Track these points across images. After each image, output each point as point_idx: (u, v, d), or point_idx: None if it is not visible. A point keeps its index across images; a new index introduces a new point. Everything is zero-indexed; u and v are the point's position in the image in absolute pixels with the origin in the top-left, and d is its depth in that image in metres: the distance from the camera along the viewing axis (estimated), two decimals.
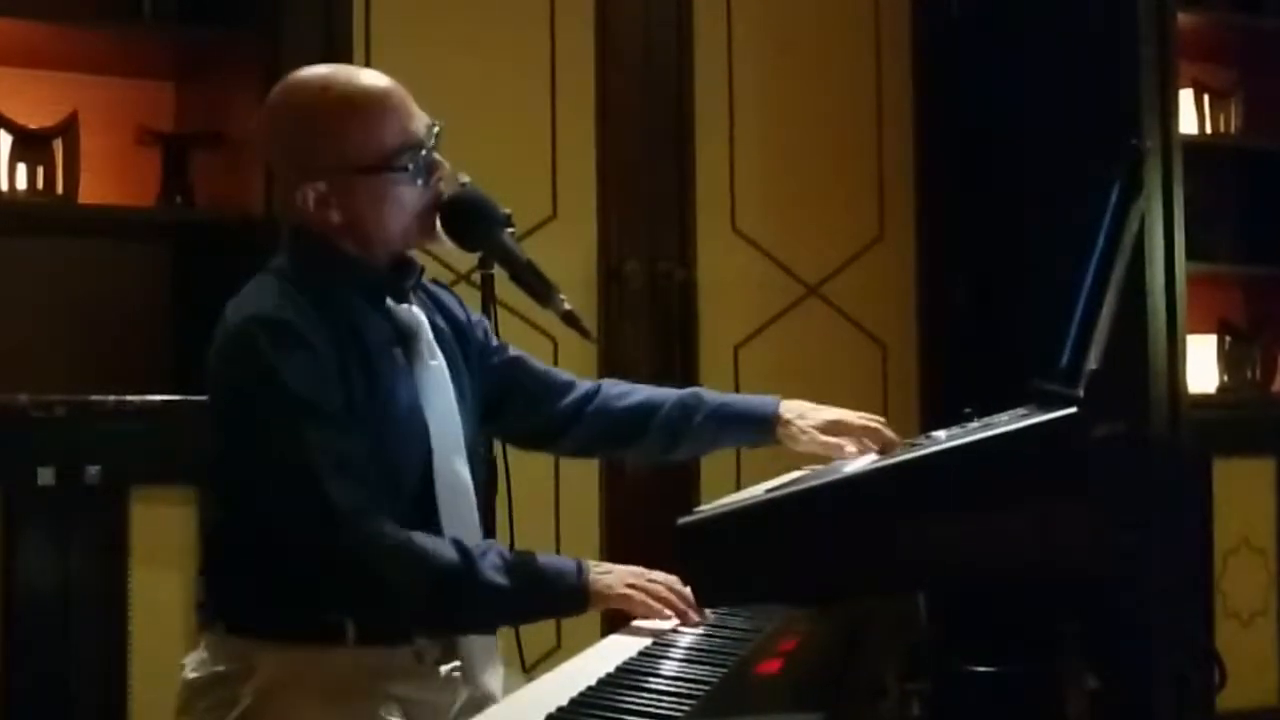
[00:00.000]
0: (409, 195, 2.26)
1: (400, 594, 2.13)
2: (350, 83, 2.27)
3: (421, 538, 2.15)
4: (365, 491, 2.12)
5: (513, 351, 2.57)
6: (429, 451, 2.26)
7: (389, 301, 2.30)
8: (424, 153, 2.26)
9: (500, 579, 2.13)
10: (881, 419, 2.55)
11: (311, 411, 2.12)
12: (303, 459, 2.10)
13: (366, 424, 2.19)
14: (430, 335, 2.35)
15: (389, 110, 2.25)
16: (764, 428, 2.55)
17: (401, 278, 2.34)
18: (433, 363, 2.33)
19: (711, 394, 2.61)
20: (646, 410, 2.56)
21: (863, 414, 2.54)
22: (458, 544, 2.15)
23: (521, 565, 2.17)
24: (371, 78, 2.29)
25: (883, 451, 2.43)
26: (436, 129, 2.29)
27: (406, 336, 2.31)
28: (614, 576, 2.20)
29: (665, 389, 2.62)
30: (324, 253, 2.27)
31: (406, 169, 2.24)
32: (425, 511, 2.24)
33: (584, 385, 2.59)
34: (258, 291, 2.24)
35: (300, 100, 2.28)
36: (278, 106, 2.30)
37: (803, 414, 2.54)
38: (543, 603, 2.21)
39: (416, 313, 2.34)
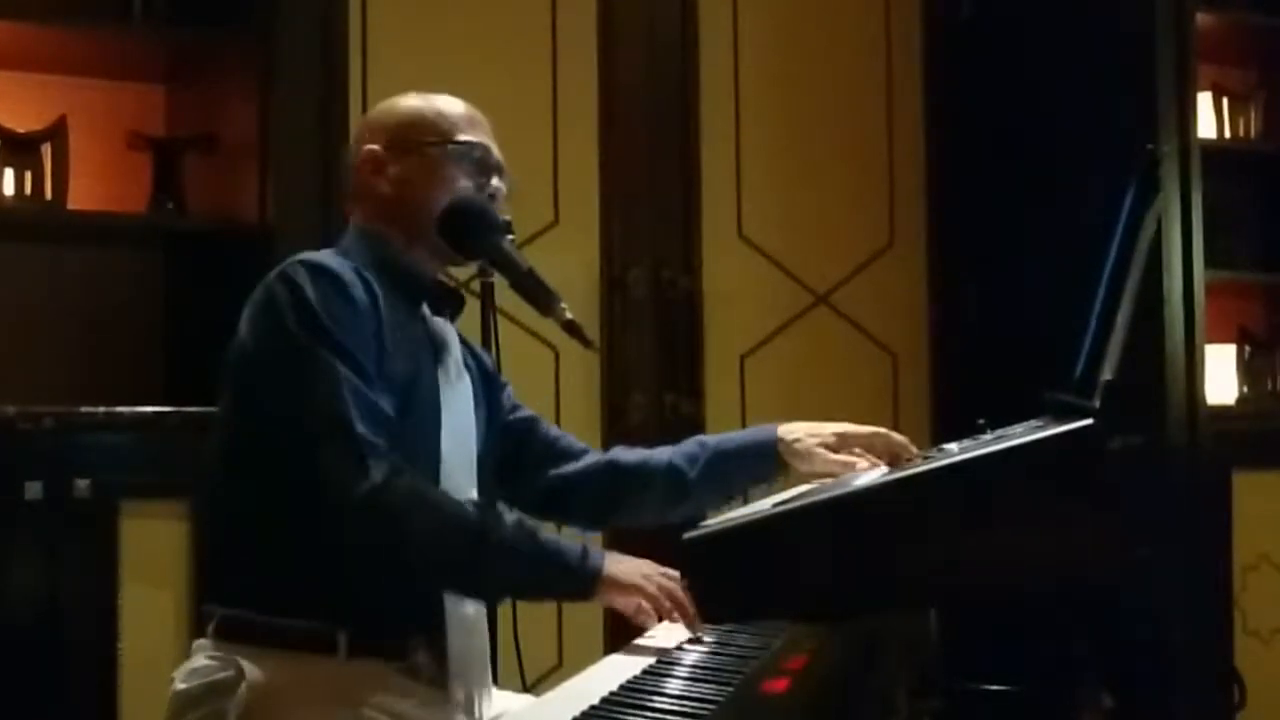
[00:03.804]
0: (457, 184, 2.34)
1: (421, 540, 2.15)
2: (435, 95, 2.45)
3: (441, 489, 2.20)
4: (390, 441, 2.15)
5: (529, 412, 2.62)
6: (439, 461, 2.28)
7: (425, 309, 2.35)
8: (484, 157, 2.38)
9: (517, 543, 2.16)
10: (888, 429, 2.56)
11: (347, 353, 2.16)
12: (336, 397, 2.13)
13: (392, 399, 2.22)
14: (459, 354, 2.39)
15: (461, 114, 2.41)
16: (767, 454, 2.56)
17: (443, 293, 2.40)
18: (458, 380, 2.37)
19: (712, 436, 2.65)
20: (650, 463, 2.59)
21: (868, 426, 2.56)
22: (478, 504, 2.22)
23: (538, 537, 2.20)
24: (458, 100, 2.45)
25: (893, 458, 2.46)
26: (504, 169, 2.41)
27: (438, 346, 2.35)
28: (629, 565, 2.23)
29: (669, 446, 2.63)
30: (375, 246, 2.34)
31: (465, 146, 2.35)
32: None
33: (596, 454, 2.62)
34: (308, 254, 2.29)
35: (388, 101, 2.47)
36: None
37: (808, 432, 2.54)
38: (553, 577, 2.22)
39: (451, 329, 2.39)
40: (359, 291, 2.20)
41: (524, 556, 2.16)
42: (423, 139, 2.35)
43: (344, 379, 2.13)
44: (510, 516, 2.22)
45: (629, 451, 2.62)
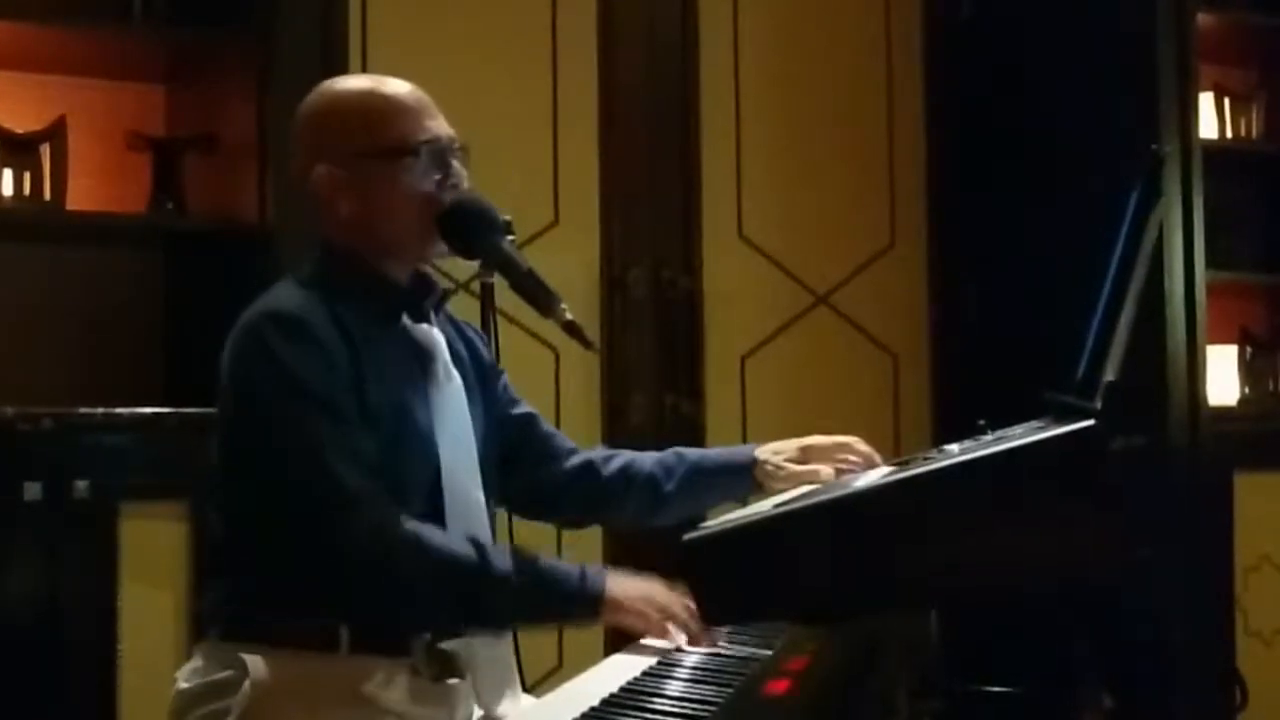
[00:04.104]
0: (421, 190, 2.28)
1: (410, 586, 2.14)
2: (374, 82, 2.37)
3: (434, 530, 2.16)
4: (376, 483, 2.14)
5: (527, 407, 2.59)
6: (437, 470, 2.26)
7: (405, 319, 2.32)
8: (441, 149, 2.30)
9: (514, 578, 2.13)
10: (855, 437, 2.55)
11: (321, 404, 2.14)
12: (313, 448, 2.12)
13: (376, 431, 2.19)
14: (447, 356, 2.36)
15: (409, 107, 2.31)
16: (742, 475, 2.57)
17: (420, 296, 2.35)
18: (448, 384, 2.34)
19: (691, 450, 2.64)
20: (629, 471, 2.58)
21: (833, 436, 2.56)
22: (473, 540, 2.17)
23: (536, 566, 2.17)
24: (398, 83, 2.36)
25: (864, 466, 2.46)
26: (459, 145, 2.34)
27: (423, 355, 2.32)
28: (633, 588, 2.21)
29: (651, 452, 2.63)
30: (346, 264, 2.30)
31: (419, 155, 2.27)
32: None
33: (584, 452, 2.61)
34: (275, 292, 2.28)
35: (324, 95, 2.37)
36: (304, 105, 2.37)
37: (776, 450, 2.55)
38: (556, 606, 2.21)
39: (435, 333, 2.36)
40: (326, 331, 2.18)
41: (523, 593, 2.14)
42: (378, 154, 2.27)
43: (319, 431, 2.12)
44: (508, 550, 2.20)
45: (612, 456, 2.60)
